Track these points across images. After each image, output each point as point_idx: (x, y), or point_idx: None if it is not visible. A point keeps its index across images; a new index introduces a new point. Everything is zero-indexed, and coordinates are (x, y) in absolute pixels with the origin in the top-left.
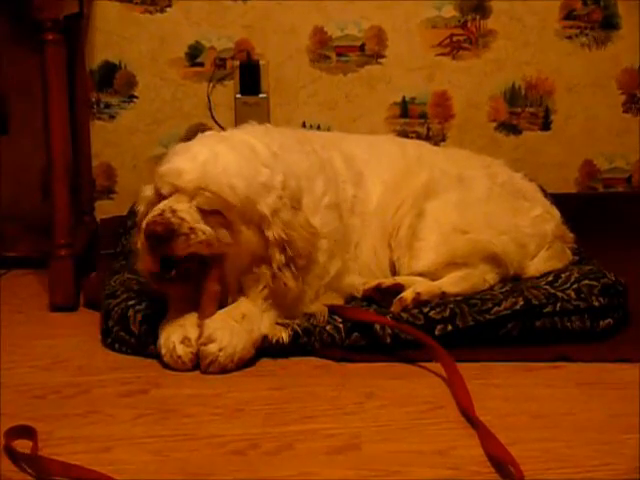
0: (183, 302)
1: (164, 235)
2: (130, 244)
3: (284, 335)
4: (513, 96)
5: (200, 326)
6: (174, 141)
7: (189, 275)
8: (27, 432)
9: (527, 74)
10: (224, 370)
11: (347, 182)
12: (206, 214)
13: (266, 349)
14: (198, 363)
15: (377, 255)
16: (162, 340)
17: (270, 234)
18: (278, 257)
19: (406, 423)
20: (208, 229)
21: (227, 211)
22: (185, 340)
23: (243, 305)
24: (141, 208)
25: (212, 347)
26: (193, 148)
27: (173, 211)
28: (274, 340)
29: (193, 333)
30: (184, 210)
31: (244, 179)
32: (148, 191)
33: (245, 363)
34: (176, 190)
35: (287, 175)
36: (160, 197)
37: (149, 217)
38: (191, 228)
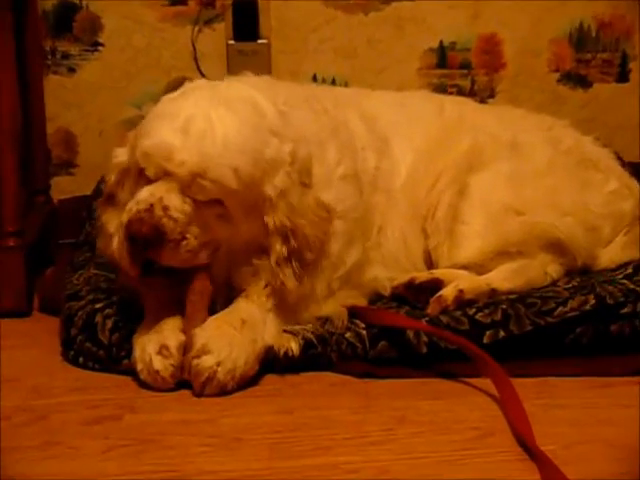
0: (163, 303)
1: (151, 239)
2: (95, 231)
3: (293, 345)
4: (581, 39)
5: (187, 334)
6: (150, 101)
7: (173, 271)
8: None
9: (598, 10)
10: (223, 390)
11: (367, 149)
12: (200, 205)
13: (271, 363)
14: (182, 380)
15: (407, 243)
16: (137, 352)
17: (271, 221)
18: (279, 249)
19: (447, 455)
20: (201, 232)
21: (227, 199)
22: (162, 349)
23: (242, 308)
24: (112, 177)
25: (208, 360)
26: (183, 111)
27: (165, 208)
28: (281, 352)
29: (173, 340)
30: (177, 206)
31: (249, 156)
32: (122, 155)
33: (247, 381)
34: (165, 174)
35: (297, 142)
36: (141, 174)
37: (132, 209)
38: (182, 233)
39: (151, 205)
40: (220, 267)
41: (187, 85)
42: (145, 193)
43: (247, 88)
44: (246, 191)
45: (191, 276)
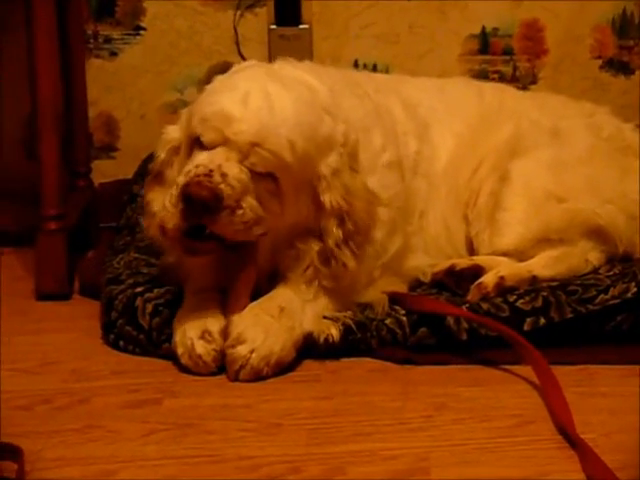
0: (204, 287)
1: (210, 203)
2: (140, 210)
3: (334, 331)
4: (624, 25)
5: (228, 319)
6: (191, 85)
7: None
8: (11, 452)
9: None
10: (258, 376)
11: (408, 134)
12: (255, 179)
13: (310, 349)
14: (224, 364)
15: (449, 228)
16: (178, 336)
17: (327, 200)
18: (335, 231)
19: (487, 442)
20: (256, 205)
21: (282, 174)
22: (205, 334)
23: (280, 295)
24: (162, 155)
25: (241, 349)
26: (240, 86)
27: (223, 175)
28: (321, 338)
29: (215, 325)
30: (235, 175)
31: (305, 131)
32: (174, 132)
33: (284, 368)
34: (224, 142)
35: (347, 124)
36: (194, 145)
37: (191, 171)
38: (238, 201)
39: (210, 170)
40: (265, 251)
41: (238, 65)
42: (204, 158)
43: (297, 70)
44: (300, 166)
45: (236, 262)
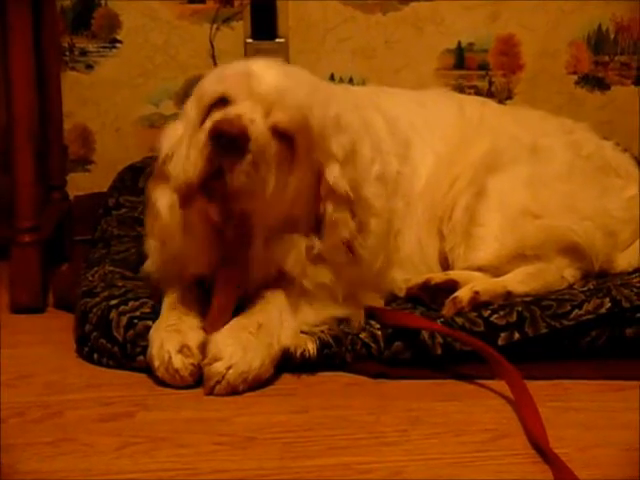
0: (183, 300)
1: (239, 140)
2: (112, 228)
3: (310, 346)
4: (600, 41)
5: (208, 334)
6: (167, 98)
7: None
8: None
9: (617, 13)
10: (234, 391)
11: (390, 154)
12: (275, 141)
13: (285, 362)
14: (200, 378)
15: (422, 248)
16: (154, 349)
17: (335, 182)
18: (351, 223)
19: (461, 456)
20: (272, 165)
21: (300, 137)
22: (184, 349)
23: (259, 311)
24: (165, 148)
25: (219, 365)
26: (253, 62)
27: (251, 120)
28: (298, 353)
29: (194, 340)
30: (260, 126)
31: (320, 101)
32: (178, 128)
33: (261, 383)
34: (248, 96)
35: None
36: (212, 111)
37: (218, 117)
38: (261, 150)
39: (238, 115)
40: (259, 244)
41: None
42: (231, 108)
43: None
44: (316, 133)
45: (218, 286)
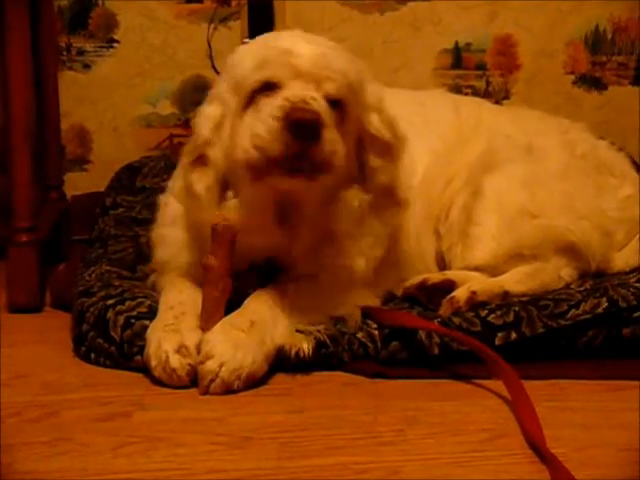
0: (181, 300)
1: (316, 124)
2: (109, 227)
3: (305, 345)
4: (597, 41)
5: (204, 332)
6: (164, 98)
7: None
8: None
9: (614, 13)
10: (229, 389)
11: None
12: (329, 108)
13: (281, 362)
14: (197, 378)
15: (420, 243)
16: (151, 349)
17: (376, 128)
18: (390, 164)
19: (458, 456)
20: (336, 133)
21: (348, 98)
22: (182, 349)
23: (252, 309)
24: (204, 132)
25: (211, 364)
26: (280, 35)
27: (313, 98)
28: (293, 352)
29: (192, 339)
30: (321, 102)
31: (350, 59)
32: (215, 108)
33: (255, 382)
34: (296, 75)
35: None
36: (254, 97)
37: (288, 100)
38: (330, 127)
39: (302, 100)
40: (314, 208)
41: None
42: (289, 91)
43: None
44: (358, 89)
45: (206, 281)
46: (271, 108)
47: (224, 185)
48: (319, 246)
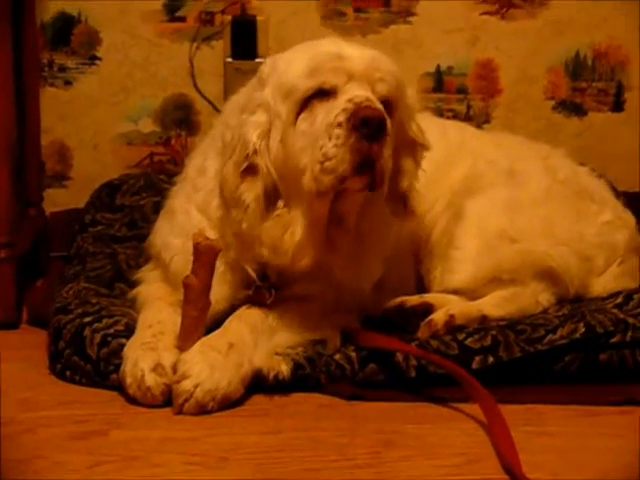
0: (159, 319)
1: (383, 122)
2: (87, 245)
3: (284, 368)
4: (577, 67)
5: (181, 351)
6: (146, 116)
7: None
8: None
9: (595, 40)
10: (203, 410)
11: None
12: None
13: (259, 383)
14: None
15: (400, 267)
16: (128, 366)
17: (414, 129)
18: (414, 168)
19: None
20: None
21: (397, 97)
22: (158, 368)
23: (232, 331)
24: (253, 138)
25: (186, 384)
26: (321, 42)
27: (370, 99)
28: (271, 375)
29: (169, 359)
30: (379, 105)
31: (392, 63)
32: (260, 116)
33: (230, 403)
34: (349, 78)
35: None
36: (307, 103)
37: (353, 100)
38: (389, 126)
39: (365, 99)
40: (355, 208)
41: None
42: (349, 94)
43: None
44: (403, 91)
45: (190, 293)
46: (329, 114)
47: (273, 195)
48: (327, 264)
